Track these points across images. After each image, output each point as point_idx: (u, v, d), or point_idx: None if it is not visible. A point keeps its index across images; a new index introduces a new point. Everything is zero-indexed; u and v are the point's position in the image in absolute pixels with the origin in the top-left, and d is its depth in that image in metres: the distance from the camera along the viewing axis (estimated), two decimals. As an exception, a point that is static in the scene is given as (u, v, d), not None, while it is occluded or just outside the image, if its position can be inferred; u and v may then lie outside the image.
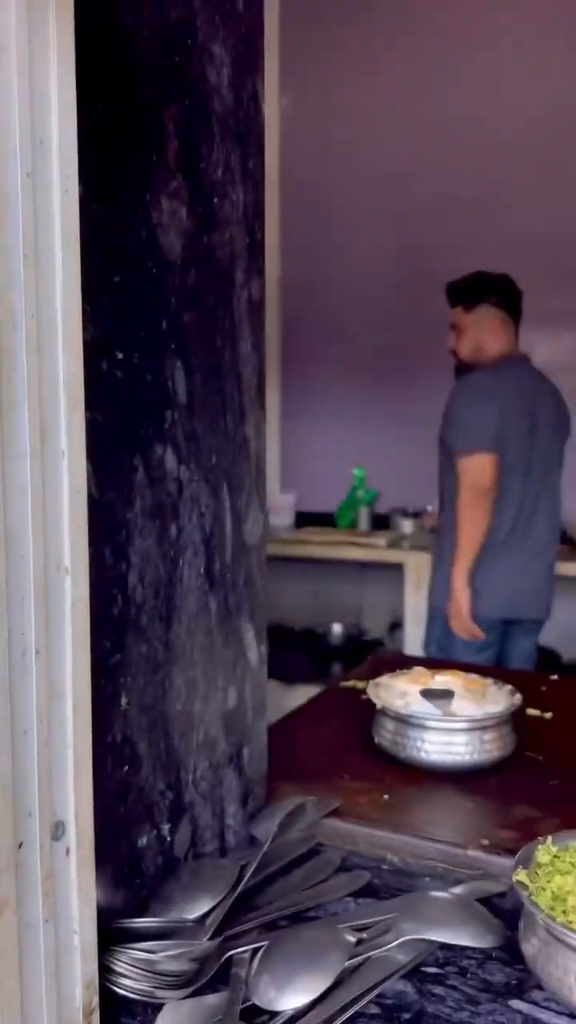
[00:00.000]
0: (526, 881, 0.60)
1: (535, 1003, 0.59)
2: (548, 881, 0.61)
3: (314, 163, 4.12)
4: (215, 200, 0.71)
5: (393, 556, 3.52)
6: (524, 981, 0.61)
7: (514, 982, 0.61)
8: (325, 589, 4.21)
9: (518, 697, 0.93)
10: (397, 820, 0.81)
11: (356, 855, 0.79)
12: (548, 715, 1.08)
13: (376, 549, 3.60)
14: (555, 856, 0.64)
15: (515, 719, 0.97)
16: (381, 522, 3.94)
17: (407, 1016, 0.58)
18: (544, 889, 0.60)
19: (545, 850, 0.65)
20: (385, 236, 3.98)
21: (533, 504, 2.21)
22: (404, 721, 0.89)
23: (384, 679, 0.99)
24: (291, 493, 4.22)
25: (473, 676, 0.99)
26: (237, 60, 0.72)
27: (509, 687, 0.96)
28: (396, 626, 3.78)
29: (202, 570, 0.71)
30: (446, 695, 0.90)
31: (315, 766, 0.93)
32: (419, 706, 0.91)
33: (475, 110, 3.79)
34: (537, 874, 0.62)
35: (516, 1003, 0.59)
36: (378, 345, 3.99)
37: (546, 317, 3.81)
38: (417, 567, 3.32)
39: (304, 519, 4.18)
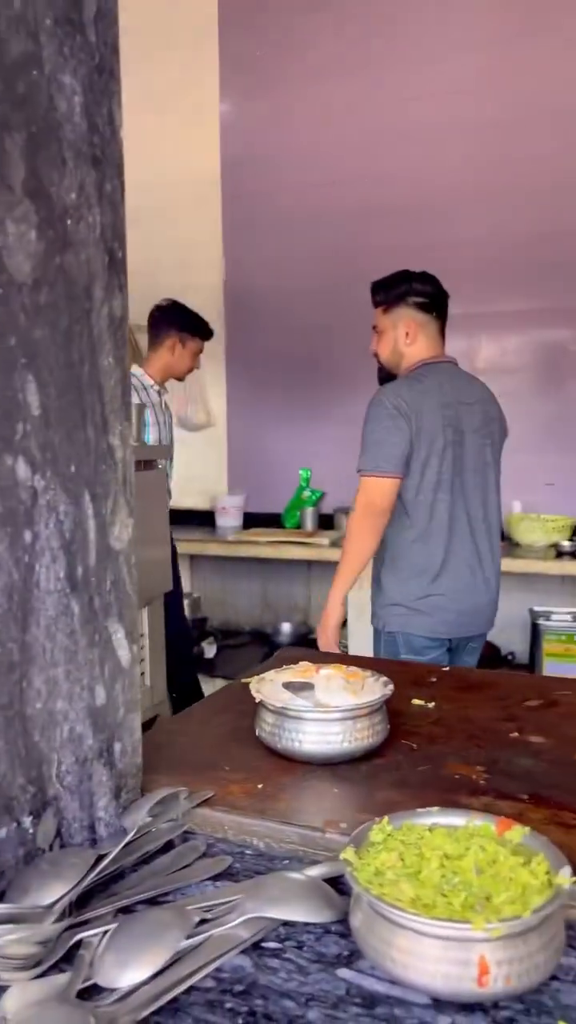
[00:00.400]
0: (352, 858, 0.64)
1: (360, 971, 0.63)
2: (374, 858, 0.65)
3: (257, 168, 4.17)
4: (68, 222, 0.74)
5: (336, 555, 3.54)
6: (355, 952, 0.65)
7: (346, 953, 0.66)
8: (273, 588, 4.27)
9: (390, 688, 0.98)
10: (265, 807, 0.85)
11: (224, 842, 0.83)
12: (431, 704, 1.13)
13: (320, 548, 3.65)
14: (389, 835, 0.69)
15: (396, 709, 1.01)
16: (326, 522, 4.00)
17: (240, 988, 0.62)
18: (369, 865, 0.65)
19: (379, 829, 0.69)
20: (327, 241, 4.04)
21: (469, 517, 2.15)
22: (280, 714, 0.94)
23: (270, 674, 1.03)
24: (239, 495, 4.26)
25: (353, 668, 1.03)
26: (90, 87, 0.76)
27: (384, 679, 1.00)
28: (343, 623, 3.81)
29: (62, 574, 0.75)
30: (306, 687, 0.95)
31: (199, 759, 0.97)
32: (296, 699, 0.95)
33: (411, 118, 3.86)
34: (368, 852, 0.67)
35: (343, 972, 0.64)
36: (322, 348, 4.05)
37: (474, 320, 3.91)
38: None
39: (252, 520, 4.23)
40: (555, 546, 3.42)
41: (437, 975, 0.58)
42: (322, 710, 0.93)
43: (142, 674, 2.36)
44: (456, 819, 0.71)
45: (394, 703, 1.11)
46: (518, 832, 0.68)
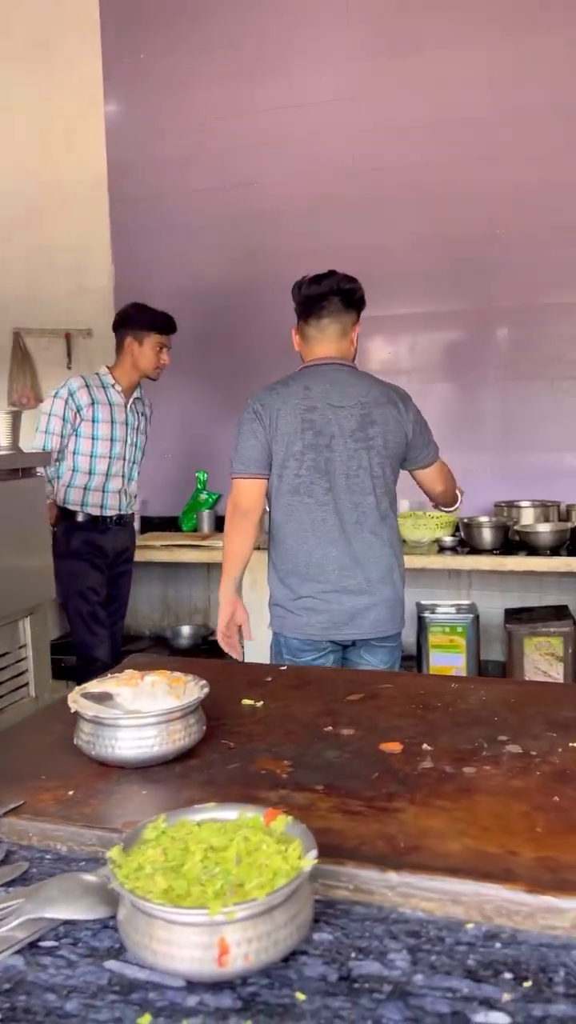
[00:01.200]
0: (117, 856, 0.69)
1: (126, 962, 0.68)
2: (141, 855, 0.70)
3: (144, 171, 4.17)
4: None
5: (229, 557, 3.59)
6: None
7: (117, 946, 0.70)
8: (173, 592, 4.29)
9: (205, 691, 1.03)
10: (71, 812, 0.88)
11: (27, 848, 0.86)
12: (260, 703, 1.18)
13: (215, 551, 3.68)
14: (162, 832, 0.73)
15: (225, 709, 1.06)
16: (223, 524, 4.03)
17: (7, 986, 0.65)
18: (132, 861, 0.69)
19: (153, 827, 0.74)
20: (220, 244, 4.08)
21: (341, 520, 2.12)
22: (94, 722, 0.97)
23: (93, 683, 1.06)
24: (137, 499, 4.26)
25: (176, 674, 1.07)
26: None
27: (203, 682, 1.05)
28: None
29: None
30: (105, 696, 0.99)
31: (21, 770, 1.00)
32: (111, 708, 0.99)
33: (298, 124, 3.93)
34: (138, 849, 0.71)
35: (111, 963, 0.68)
36: (219, 351, 4.08)
37: (381, 323, 4.01)
38: (251, 567, 3.42)
39: (150, 524, 4.24)
40: (438, 542, 3.54)
41: (186, 959, 0.63)
42: (134, 716, 0.97)
43: (24, 685, 2.35)
44: (229, 813, 0.76)
45: (224, 704, 1.17)
46: (281, 821, 0.74)
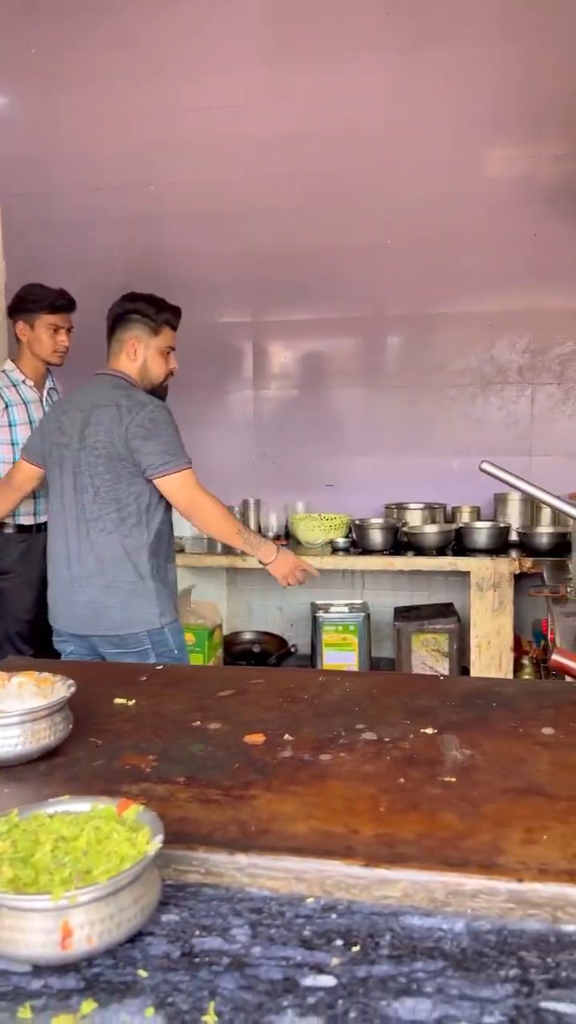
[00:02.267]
0: (-34, 850, 0.71)
1: (-23, 951, 0.70)
2: (-8, 848, 0.72)
3: (36, 169, 4.11)
4: None
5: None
6: (-23, 934, 0.71)
7: (-33, 936, 0.71)
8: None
9: (72, 689, 1.05)
10: None
11: None
12: (131, 702, 1.21)
13: None
14: (14, 826, 0.75)
15: (96, 708, 1.08)
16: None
17: None
18: (-16, 855, 0.71)
19: (5, 821, 0.76)
20: (120, 245, 4.05)
21: (66, 519, 2.26)
22: (-42, 723, 0.98)
23: (-42, 686, 1.07)
24: None
25: (44, 674, 1.09)
26: None
27: (70, 682, 1.07)
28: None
29: None
30: None
31: None
32: (-25, 707, 1.00)
33: (193, 128, 3.96)
34: (-9, 843, 0.73)
35: (-40, 954, 0.69)
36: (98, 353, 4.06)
37: (256, 328, 4.08)
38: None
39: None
40: (331, 543, 3.62)
41: (31, 944, 0.65)
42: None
43: None
44: (83, 806, 0.79)
45: (96, 703, 1.19)
46: (133, 810, 0.77)
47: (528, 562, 3.32)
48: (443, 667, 3.42)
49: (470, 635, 3.38)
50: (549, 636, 3.01)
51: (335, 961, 0.67)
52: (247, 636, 3.94)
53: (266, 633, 3.95)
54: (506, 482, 1.89)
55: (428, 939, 0.70)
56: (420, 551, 3.45)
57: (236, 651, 3.83)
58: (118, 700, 1.21)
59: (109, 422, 2.21)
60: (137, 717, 1.16)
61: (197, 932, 0.72)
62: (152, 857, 0.69)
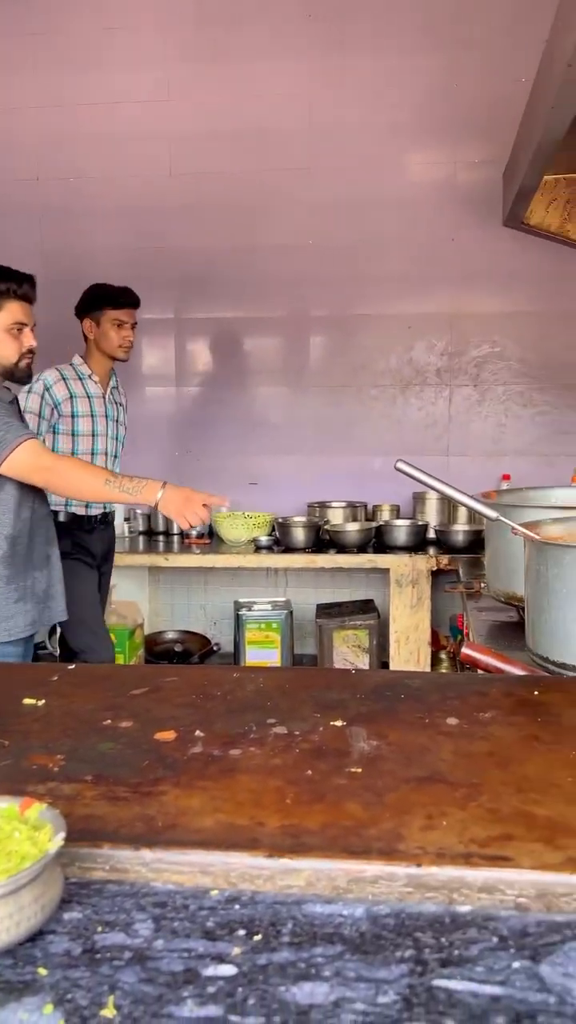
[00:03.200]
0: None
1: None
2: None
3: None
4: None
5: None
6: None
7: None
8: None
9: (-23, 690, 1.03)
10: None
11: None
12: (41, 702, 1.19)
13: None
14: None
15: (4, 709, 1.07)
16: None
17: None
18: None
19: None
20: (38, 238, 3.98)
21: None
22: None
23: None
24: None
25: (-50, 675, 1.07)
26: None
27: (-23, 682, 1.05)
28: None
29: None
30: None
31: None
32: None
33: (126, 120, 3.91)
34: None
35: None
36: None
37: (175, 326, 4.06)
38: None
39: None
40: (255, 541, 3.63)
41: None
42: None
43: None
44: (-16, 805, 0.78)
45: (3, 704, 1.17)
46: (35, 809, 0.76)
47: (445, 559, 3.40)
48: (363, 662, 3.47)
49: (389, 631, 3.44)
50: (464, 631, 3.09)
51: (236, 950, 0.68)
52: (169, 635, 3.93)
53: (189, 632, 3.94)
54: (420, 480, 1.92)
55: (328, 925, 0.72)
56: (342, 549, 3.49)
57: (158, 651, 3.82)
58: (27, 700, 1.20)
59: None
60: (47, 717, 1.14)
61: (99, 928, 0.72)
62: (53, 855, 0.69)
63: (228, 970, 0.66)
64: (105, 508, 3.12)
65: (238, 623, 3.55)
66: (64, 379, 3.03)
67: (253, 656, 3.48)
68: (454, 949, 0.68)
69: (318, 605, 3.71)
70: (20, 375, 2.20)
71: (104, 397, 3.10)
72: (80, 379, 3.06)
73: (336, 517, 3.70)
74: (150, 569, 3.98)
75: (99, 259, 3.92)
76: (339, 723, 1.09)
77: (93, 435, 3.06)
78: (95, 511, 3.07)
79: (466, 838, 0.80)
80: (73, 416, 3.02)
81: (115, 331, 3.04)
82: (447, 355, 3.90)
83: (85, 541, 3.03)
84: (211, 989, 0.64)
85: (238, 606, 3.59)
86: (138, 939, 0.70)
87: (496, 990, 0.63)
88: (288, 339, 4.07)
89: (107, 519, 3.16)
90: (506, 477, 3.74)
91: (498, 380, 3.88)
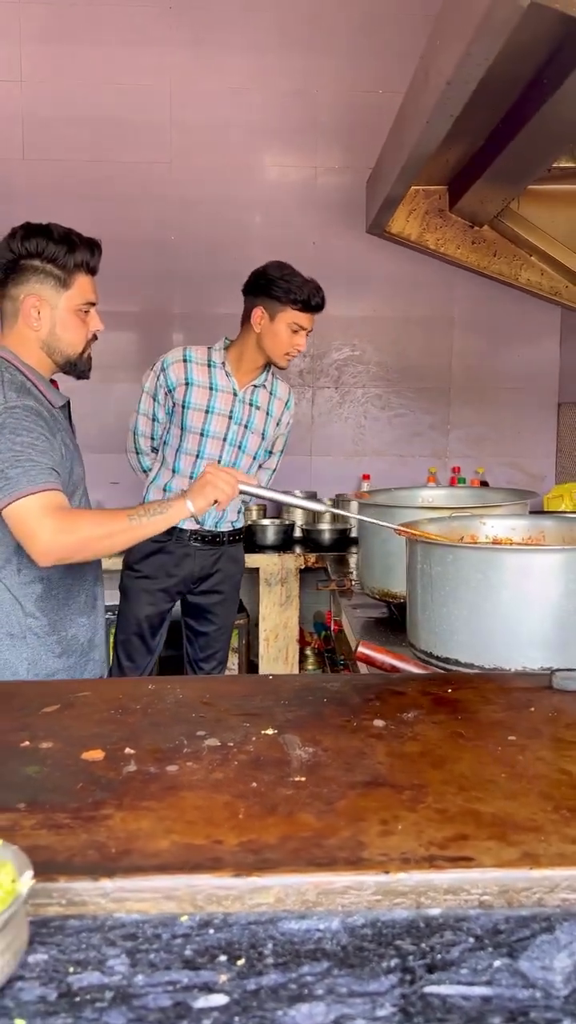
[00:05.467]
0: None
1: None
2: None
3: None
4: None
5: None
6: None
7: None
8: None
9: None
10: None
11: None
12: (-54, 725, 1.11)
13: None
14: None
15: None
16: None
17: None
18: None
19: None
20: None
21: None
22: None
23: None
24: None
25: None
26: None
27: None
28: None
29: None
30: None
31: None
32: None
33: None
34: None
35: None
36: None
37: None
38: None
39: None
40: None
41: None
42: None
43: None
44: None
45: None
46: (-10, 846, 0.71)
47: (312, 557, 3.45)
48: (233, 662, 3.46)
49: (259, 629, 3.46)
50: (333, 627, 3.16)
51: (223, 978, 0.66)
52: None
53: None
54: (259, 496, 1.86)
55: (308, 941, 0.71)
56: (209, 549, 3.46)
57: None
58: None
59: None
60: (-40, 740, 1.06)
61: (71, 969, 0.67)
62: (25, 896, 0.64)
63: (219, 999, 0.64)
64: (207, 523, 2.72)
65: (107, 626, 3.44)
66: (186, 360, 2.60)
67: (120, 660, 3.39)
68: (436, 953, 0.70)
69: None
70: (84, 368, 1.83)
71: (237, 395, 2.64)
72: (209, 365, 2.62)
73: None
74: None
75: None
76: (270, 731, 1.09)
77: (202, 434, 2.62)
78: (187, 526, 2.66)
79: (424, 841, 0.82)
80: (184, 406, 2.60)
81: (289, 336, 2.56)
82: (310, 357, 3.96)
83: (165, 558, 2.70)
84: (206, 1022, 0.62)
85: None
86: (116, 976, 0.67)
87: (485, 991, 0.65)
88: (148, 336, 3.99)
89: (208, 538, 2.73)
90: (366, 477, 3.85)
91: (357, 383, 3.98)
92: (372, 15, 3.76)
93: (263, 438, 2.72)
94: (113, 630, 2.98)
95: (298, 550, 3.54)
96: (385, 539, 2.18)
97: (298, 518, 3.75)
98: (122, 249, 3.81)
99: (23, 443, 1.58)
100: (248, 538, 3.55)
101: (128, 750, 1.03)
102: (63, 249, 1.70)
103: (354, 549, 3.52)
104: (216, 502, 1.69)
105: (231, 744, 1.05)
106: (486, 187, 2.90)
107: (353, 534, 3.60)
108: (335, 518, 3.74)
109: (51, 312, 1.72)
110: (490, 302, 3.86)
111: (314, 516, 3.79)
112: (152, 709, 1.17)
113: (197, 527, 2.69)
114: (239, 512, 2.81)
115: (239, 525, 2.82)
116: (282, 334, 2.55)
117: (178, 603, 2.84)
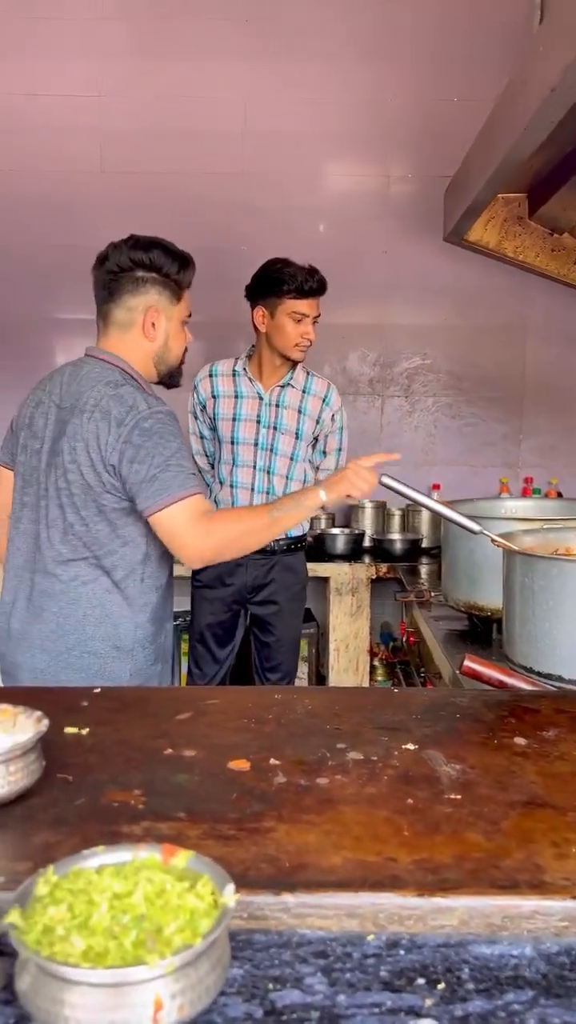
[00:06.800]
0: (18, 921, 0.61)
1: (30, 1037, 0.61)
2: (42, 915, 0.63)
3: None
4: None
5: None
6: (22, 1018, 0.62)
7: (12, 1021, 0.62)
8: None
9: (45, 724, 0.95)
10: None
11: None
12: (85, 731, 1.11)
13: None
14: (55, 886, 0.67)
15: (48, 740, 0.98)
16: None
17: None
18: (36, 924, 0.62)
19: (44, 881, 0.67)
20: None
21: (32, 566, 1.72)
22: None
23: None
24: None
25: (4, 706, 0.98)
26: None
27: (38, 713, 0.97)
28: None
29: None
30: None
31: None
32: None
33: (51, 114, 3.75)
34: (35, 908, 0.64)
35: (11, 1042, 0.60)
36: None
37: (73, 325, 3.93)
38: None
39: None
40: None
41: (112, 1023, 0.58)
42: (-30, 756, 0.87)
43: None
44: (122, 855, 0.71)
45: (46, 734, 1.08)
46: (183, 857, 0.70)
47: (383, 567, 3.43)
48: (302, 671, 3.45)
49: (329, 639, 3.44)
50: (409, 639, 3.13)
51: (428, 1002, 0.65)
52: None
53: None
54: (403, 494, 1.88)
55: (505, 968, 0.69)
56: (280, 557, 3.46)
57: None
58: (68, 729, 1.11)
59: (92, 438, 1.61)
60: (99, 747, 1.06)
61: (270, 986, 0.66)
62: (232, 911, 0.64)
63: (430, 1024, 0.62)
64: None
65: (174, 632, 3.44)
66: (211, 375, 2.67)
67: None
68: None
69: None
70: (179, 378, 1.86)
71: (263, 399, 2.65)
72: (234, 374, 2.67)
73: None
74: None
75: (15, 254, 3.76)
76: (411, 746, 1.07)
77: (233, 442, 2.65)
78: None
79: (603, 866, 0.80)
80: (216, 418, 2.66)
81: (292, 326, 2.54)
82: (379, 365, 3.94)
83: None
84: (424, 1047, 0.60)
85: (175, 616, 3.49)
86: (316, 995, 0.65)
87: None
88: (218, 344, 4.00)
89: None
90: (436, 487, 3.81)
91: (428, 392, 3.95)
92: (446, 24, 3.74)
93: (297, 438, 2.70)
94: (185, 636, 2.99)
95: (367, 559, 3.52)
96: (472, 550, 2.14)
97: (368, 527, 3.72)
98: (195, 259, 3.84)
99: (173, 448, 1.60)
100: (317, 547, 3.54)
101: (273, 761, 1.02)
102: (178, 265, 1.75)
103: (425, 560, 3.48)
104: (349, 496, 1.69)
105: (375, 758, 1.03)
106: (569, 194, 2.86)
107: (425, 544, 3.57)
108: (405, 527, 3.71)
109: (166, 324, 1.76)
110: (566, 310, 3.80)
111: (384, 525, 3.76)
112: (285, 719, 1.16)
113: None
114: None
115: (295, 534, 2.75)
116: (286, 327, 2.55)
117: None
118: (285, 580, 2.77)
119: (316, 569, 3.45)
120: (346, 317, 3.92)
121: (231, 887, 0.66)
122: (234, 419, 2.66)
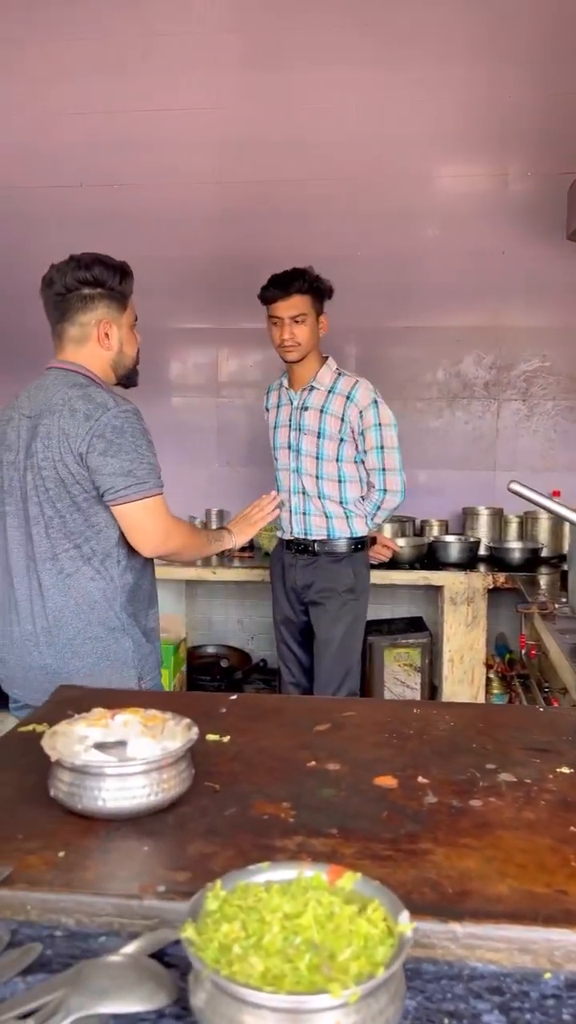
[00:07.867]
0: (194, 936, 0.61)
1: (205, 1055, 0.60)
2: (215, 931, 0.62)
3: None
4: None
5: None
6: (195, 1034, 0.62)
7: (185, 1037, 0.62)
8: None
9: (195, 731, 0.95)
10: (71, 878, 0.78)
11: (29, 925, 0.75)
12: (227, 738, 1.11)
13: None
14: (224, 901, 0.66)
15: (193, 749, 0.98)
16: None
17: None
18: (212, 940, 0.61)
19: (213, 896, 0.66)
20: (80, 244, 3.86)
21: (8, 556, 1.81)
22: (79, 771, 0.86)
23: (61, 726, 0.95)
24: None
25: (152, 712, 0.98)
26: None
27: (187, 720, 0.97)
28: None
29: None
30: (119, 745, 0.89)
31: (-15, 829, 0.87)
32: (93, 752, 0.89)
33: (171, 127, 3.84)
34: (207, 923, 0.63)
35: (186, 1060, 0.60)
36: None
37: (241, 335, 3.98)
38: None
39: None
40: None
41: (291, 1049, 0.56)
42: (124, 764, 0.87)
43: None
44: (287, 872, 0.70)
45: (188, 740, 1.08)
46: (349, 879, 0.68)
47: (501, 577, 3.33)
48: (415, 682, 3.40)
49: (442, 650, 3.37)
50: (530, 652, 3.03)
51: (619, 1050, 0.60)
52: (210, 650, 3.83)
53: (229, 647, 3.85)
54: (534, 502, 1.86)
55: None
56: (392, 565, 3.41)
57: (198, 665, 3.72)
58: (210, 736, 1.11)
59: (60, 433, 1.69)
60: (242, 756, 1.06)
61: (445, 1020, 0.64)
62: (410, 940, 0.61)
63: (624, 1076, 0.58)
64: (295, 533, 2.81)
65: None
66: (269, 391, 2.93)
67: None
68: None
69: (366, 622, 3.63)
70: (135, 378, 1.94)
71: (292, 403, 2.77)
72: (280, 388, 2.87)
73: (384, 533, 3.62)
74: (187, 583, 3.88)
75: (139, 266, 3.83)
76: (566, 770, 1.02)
77: (274, 447, 2.86)
78: (286, 535, 2.85)
79: None
80: (274, 427, 2.89)
81: (274, 331, 2.69)
82: (496, 368, 3.85)
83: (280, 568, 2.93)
84: None
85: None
86: (496, 1034, 0.62)
87: None
88: (333, 350, 3.99)
89: (300, 547, 2.81)
90: (556, 493, 3.67)
91: (547, 395, 3.83)
92: (562, 18, 3.62)
93: (320, 436, 2.74)
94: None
95: (483, 568, 3.43)
96: (604, 561, 2.05)
97: (483, 535, 3.63)
98: (314, 265, 3.85)
99: (144, 445, 1.72)
100: (430, 555, 3.47)
101: (421, 779, 0.99)
102: (119, 277, 1.83)
103: (545, 569, 3.37)
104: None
105: (528, 781, 0.99)
106: None
107: (544, 553, 3.46)
108: (523, 535, 3.60)
109: (118, 332, 1.85)
110: None
111: (500, 533, 3.66)
112: (427, 736, 1.13)
113: (290, 536, 2.82)
114: (330, 519, 2.76)
115: (337, 536, 2.77)
116: (271, 333, 2.72)
117: None
118: (327, 583, 2.79)
119: (430, 577, 3.40)
120: (460, 319, 3.86)
121: (406, 914, 0.63)
122: (275, 427, 2.85)
